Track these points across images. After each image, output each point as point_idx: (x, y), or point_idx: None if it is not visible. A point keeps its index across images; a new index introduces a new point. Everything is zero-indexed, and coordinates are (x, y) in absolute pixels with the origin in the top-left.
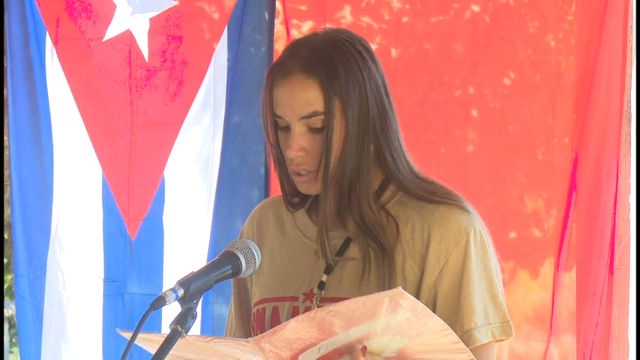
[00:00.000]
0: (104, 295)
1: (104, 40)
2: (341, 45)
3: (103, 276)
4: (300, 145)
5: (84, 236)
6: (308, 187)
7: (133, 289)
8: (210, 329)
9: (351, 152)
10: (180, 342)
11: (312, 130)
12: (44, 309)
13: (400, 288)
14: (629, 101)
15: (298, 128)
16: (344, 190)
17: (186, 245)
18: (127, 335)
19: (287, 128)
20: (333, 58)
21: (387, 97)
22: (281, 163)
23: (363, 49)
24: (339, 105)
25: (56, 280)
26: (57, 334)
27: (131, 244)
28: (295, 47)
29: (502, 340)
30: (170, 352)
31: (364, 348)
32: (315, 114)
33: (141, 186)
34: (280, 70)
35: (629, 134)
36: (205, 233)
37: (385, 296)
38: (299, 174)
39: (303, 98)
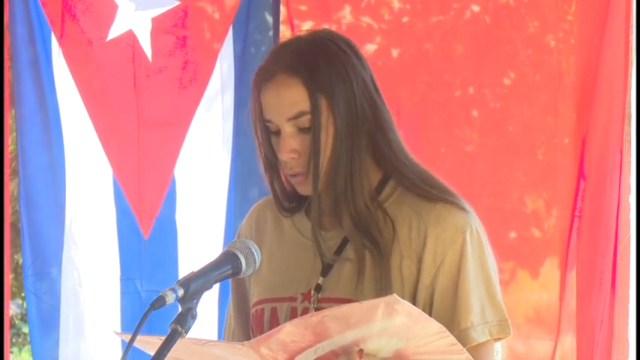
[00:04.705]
0: (121, 294)
1: (107, 39)
2: (322, 44)
3: (119, 274)
4: (291, 147)
5: (98, 235)
6: (304, 188)
7: (149, 287)
8: None
9: (342, 149)
10: (176, 344)
11: (302, 130)
12: (61, 307)
13: (395, 295)
14: (629, 101)
15: (287, 130)
16: (339, 187)
17: (200, 243)
18: (127, 337)
19: (278, 132)
20: (316, 57)
21: (377, 91)
22: (273, 168)
23: (346, 46)
24: (325, 103)
25: (72, 279)
26: (75, 332)
27: (145, 243)
28: (278, 50)
29: (500, 338)
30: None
31: (361, 351)
32: (301, 114)
33: (151, 185)
34: (264, 74)
35: (629, 134)
36: (219, 231)
37: (381, 302)
38: (294, 175)
39: (288, 99)
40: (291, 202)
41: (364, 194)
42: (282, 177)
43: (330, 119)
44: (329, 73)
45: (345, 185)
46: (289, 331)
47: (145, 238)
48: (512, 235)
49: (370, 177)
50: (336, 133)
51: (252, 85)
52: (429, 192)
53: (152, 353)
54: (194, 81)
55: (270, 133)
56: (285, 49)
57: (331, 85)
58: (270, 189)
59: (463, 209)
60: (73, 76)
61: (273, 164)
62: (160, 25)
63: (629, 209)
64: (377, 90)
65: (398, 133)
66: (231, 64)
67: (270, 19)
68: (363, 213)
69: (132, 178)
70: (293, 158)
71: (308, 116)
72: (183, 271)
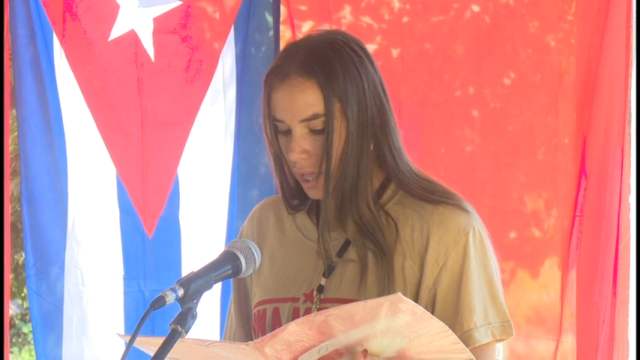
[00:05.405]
0: (124, 293)
1: (109, 39)
2: (337, 45)
3: (122, 273)
4: (302, 148)
5: (101, 234)
6: (315, 191)
7: (153, 286)
8: None
9: (352, 152)
10: (179, 345)
11: (314, 131)
12: (64, 307)
13: (399, 293)
14: (630, 101)
15: (299, 131)
16: (346, 190)
17: (203, 242)
18: (128, 338)
19: (288, 132)
20: (330, 59)
21: (385, 95)
22: (281, 166)
23: (359, 49)
24: (338, 105)
25: (75, 278)
26: (78, 331)
27: (149, 242)
28: (291, 50)
29: (502, 339)
30: (169, 356)
31: (365, 351)
32: (315, 116)
33: (155, 184)
34: (278, 73)
35: (629, 134)
36: (222, 230)
37: (385, 301)
38: (306, 180)
39: (302, 101)
40: (293, 199)
41: (367, 197)
42: (287, 174)
43: (343, 122)
44: (343, 77)
45: (351, 188)
46: (293, 331)
47: (149, 237)
48: (513, 235)
49: (373, 180)
50: (347, 135)
51: (263, 84)
52: (430, 196)
53: (153, 354)
54: (196, 81)
55: (278, 132)
56: (299, 49)
57: (345, 88)
58: (279, 186)
59: (466, 211)
60: (75, 76)
61: (281, 162)
62: (161, 25)
63: (629, 209)
64: (385, 92)
65: (400, 139)
66: (233, 64)
67: (270, 19)
68: (366, 215)
69: (135, 178)
70: (303, 158)
71: (322, 119)
72: (187, 271)
